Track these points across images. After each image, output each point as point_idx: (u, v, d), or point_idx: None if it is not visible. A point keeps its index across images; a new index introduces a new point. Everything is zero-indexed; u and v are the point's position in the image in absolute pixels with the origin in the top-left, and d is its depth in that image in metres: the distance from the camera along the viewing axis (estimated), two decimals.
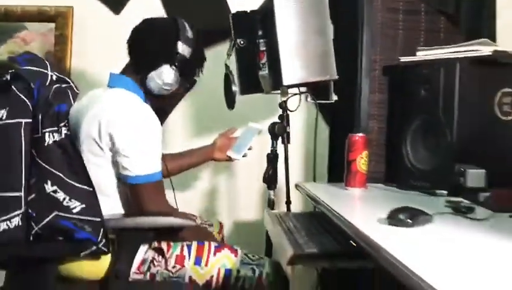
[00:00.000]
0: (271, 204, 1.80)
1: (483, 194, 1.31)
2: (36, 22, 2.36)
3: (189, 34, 1.54)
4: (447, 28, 1.86)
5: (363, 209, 1.36)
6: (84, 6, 2.37)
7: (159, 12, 2.36)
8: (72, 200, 1.24)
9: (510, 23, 2.00)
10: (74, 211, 1.24)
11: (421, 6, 1.85)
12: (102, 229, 1.28)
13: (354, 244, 1.17)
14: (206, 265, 1.44)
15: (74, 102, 1.34)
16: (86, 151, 1.40)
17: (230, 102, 1.78)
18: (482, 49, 1.52)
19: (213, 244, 1.51)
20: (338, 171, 2.03)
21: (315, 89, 1.90)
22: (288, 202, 1.84)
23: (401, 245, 0.88)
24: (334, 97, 1.81)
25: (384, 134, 1.83)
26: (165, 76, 1.49)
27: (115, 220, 1.38)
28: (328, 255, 1.13)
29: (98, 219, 1.27)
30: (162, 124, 1.54)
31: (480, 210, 1.22)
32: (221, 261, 1.46)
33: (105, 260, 1.37)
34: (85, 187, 1.26)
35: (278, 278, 1.47)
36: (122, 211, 1.46)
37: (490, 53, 1.50)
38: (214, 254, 1.47)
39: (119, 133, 1.37)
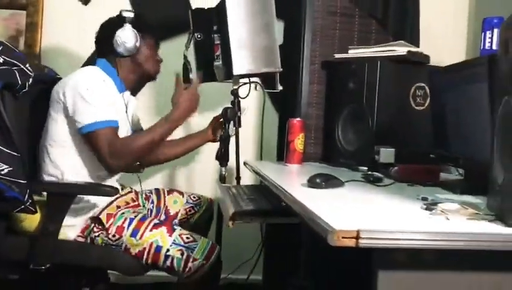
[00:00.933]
0: (222, 179, 2.04)
1: (392, 168, 1.60)
2: (8, 10, 2.52)
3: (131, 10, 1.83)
4: (377, 30, 2.16)
5: (293, 179, 1.63)
6: None
7: (125, 4, 2.56)
8: (0, 163, 1.45)
9: (430, 26, 2.34)
10: (2, 172, 1.44)
11: (356, 11, 2.14)
12: (28, 191, 1.48)
13: (283, 204, 1.44)
14: (140, 238, 1.58)
15: (22, 81, 1.56)
16: (51, 109, 1.65)
17: None
18: (399, 49, 1.82)
19: (154, 221, 1.65)
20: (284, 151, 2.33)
21: (264, 79, 2.17)
22: (238, 178, 2.10)
23: (314, 201, 1.14)
24: (280, 87, 2.07)
25: (321, 120, 2.11)
26: (123, 36, 1.73)
27: (41, 183, 1.62)
28: (261, 212, 1.39)
29: (24, 181, 1.48)
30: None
31: (387, 180, 1.51)
32: (154, 237, 1.58)
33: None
34: (13, 153, 1.47)
35: (210, 263, 1.57)
36: (83, 163, 1.66)
37: (405, 53, 1.80)
38: (151, 229, 1.60)
39: (68, 91, 1.61)
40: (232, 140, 2.05)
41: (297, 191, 1.23)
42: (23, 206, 1.48)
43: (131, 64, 1.78)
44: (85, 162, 1.66)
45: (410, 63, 1.86)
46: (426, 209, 1.06)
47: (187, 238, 1.60)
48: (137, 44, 1.75)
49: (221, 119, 2.06)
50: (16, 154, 1.47)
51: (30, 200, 1.48)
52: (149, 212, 1.92)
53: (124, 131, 1.81)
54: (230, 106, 2.05)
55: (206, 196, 2.06)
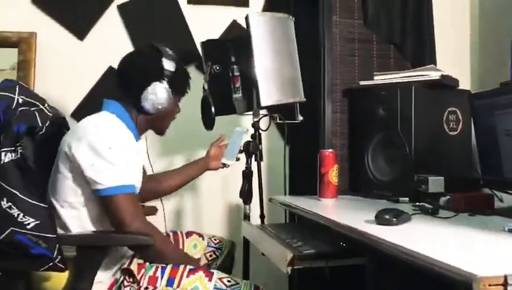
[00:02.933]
0: (247, 218, 1.91)
1: (443, 198, 1.52)
2: None
3: (170, 52, 1.60)
4: (395, 55, 2.12)
5: (346, 214, 1.50)
6: (48, 32, 2.39)
7: (124, 38, 2.43)
8: (26, 216, 1.30)
9: (446, 51, 2.32)
10: (28, 227, 1.30)
11: (373, 37, 2.09)
12: (57, 246, 1.33)
13: (343, 244, 1.33)
14: (178, 286, 1.43)
15: (42, 123, 1.42)
16: (61, 166, 1.45)
17: (210, 123, 1.89)
18: (431, 74, 1.77)
19: (188, 266, 1.49)
20: (299, 185, 2.22)
21: (281, 110, 2.07)
22: (262, 216, 1.97)
23: (396, 238, 1.04)
24: (300, 117, 1.98)
25: (345, 149, 2.03)
26: (157, 92, 1.53)
27: (70, 236, 1.41)
28: (324, 256, 1.27)
29: (53, 235, 1.33)
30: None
31: (442, 211, 1.43)
32: (193, 284, 1.43)
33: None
34: (40, 204, 1.33)
35: None
36: (92, 225, 1.48)
37: (438, 77, 1.75)
38: (187, 275, 1.45)
39: (85, 150, 1.41)
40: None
41: (372, 231, 1.12)
42: (51, 264, 1.32)
43: (149, 118, 1.60)
44: (94, 223, 1.49)
45: (442, 88, 1.81)
46: None
47: (228, 281, 1.46)
48: (166, 105, 1.56)
49: (222, 144, 1.95)
50: (43, 205, 1.32)
51: (60, 256, 1.32)
52: None
53: (138, 180, 1.64)
54: (251, 139, 1.95)
55: (227, 238, 1.92)
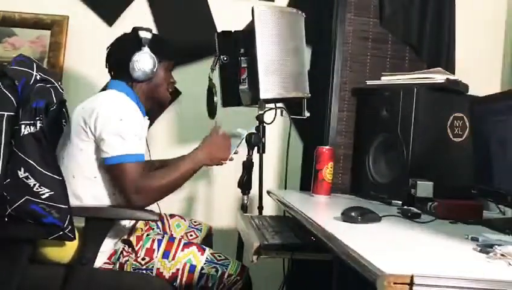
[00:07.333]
0: (244, 208, 1.94)
1: (430, 203, 1.48)
2: (32, 29, 2.50)
3: (146, 27, 1.73)
4: (411, 58, 2.07)
5: (324, 211, 1.51)
6: (79, 16, 2.51)
7: (150, 27, 2.50)
8: (42, 187, 1.36)
9: (467, 55, 2.23)
10: (43, 197, 1.36)
11: (388, 37, 2.05)
12: (68, 216, 1.39)
13: (313, 239, 1.33)
14: (173, 259, 1.55)
15: (56, 100, 1.51)
16: (75, 137, 1.53)
17: (212, 112, 1.94)
18: (437, 77, 1.72)
19: (183, 241, 1.62)
20: (309, 181, 2.21)
21: (290, 106, 2.08)
22: (260, 207, 1.99)
23: (353, 238, 1.03)
24: (307, 113, 1.98)
25: (350, 149, 2.00)
26: (140, 59, 1.63)
27: (81, 208, 1.48)
28: (289, 247, 1.28)
29: (65, 206, 1.39)
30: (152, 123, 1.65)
31: (425, 216, 1.39)
32: (187, 257, 1.56)
33: (74, 246, 1.48)
34: (55, 176, 1.39)
35: (242, 280, 1.58)
36: (107, 195, 1.55)
37: (443, 81, 1.70)
38: (182, 249, 1.57)
39: (99, 120, 1.50)
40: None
41: (331, 226, 1.11)
42: (61, 233, 1.39)
43: (146, 89, 1.69)
44: (108, 193, 1.57)
45: (448, 92, 1.75)
46: (481, 251, 0.94)
47: (219, 256, 1.60)
48: (155, 69, 1.66)
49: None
50: (57, 177, 1.39)
51: (70, 226, 1.40)
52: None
53: (146, 157, 1.73)
54: (254, 131, 1.96)
55: (207, 223, 2.00)
